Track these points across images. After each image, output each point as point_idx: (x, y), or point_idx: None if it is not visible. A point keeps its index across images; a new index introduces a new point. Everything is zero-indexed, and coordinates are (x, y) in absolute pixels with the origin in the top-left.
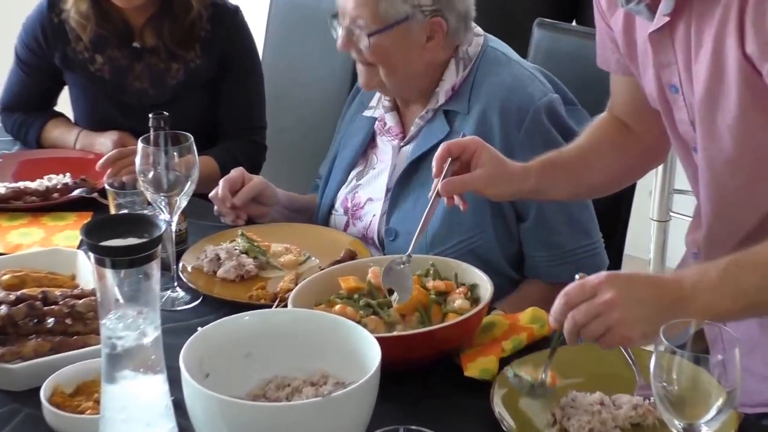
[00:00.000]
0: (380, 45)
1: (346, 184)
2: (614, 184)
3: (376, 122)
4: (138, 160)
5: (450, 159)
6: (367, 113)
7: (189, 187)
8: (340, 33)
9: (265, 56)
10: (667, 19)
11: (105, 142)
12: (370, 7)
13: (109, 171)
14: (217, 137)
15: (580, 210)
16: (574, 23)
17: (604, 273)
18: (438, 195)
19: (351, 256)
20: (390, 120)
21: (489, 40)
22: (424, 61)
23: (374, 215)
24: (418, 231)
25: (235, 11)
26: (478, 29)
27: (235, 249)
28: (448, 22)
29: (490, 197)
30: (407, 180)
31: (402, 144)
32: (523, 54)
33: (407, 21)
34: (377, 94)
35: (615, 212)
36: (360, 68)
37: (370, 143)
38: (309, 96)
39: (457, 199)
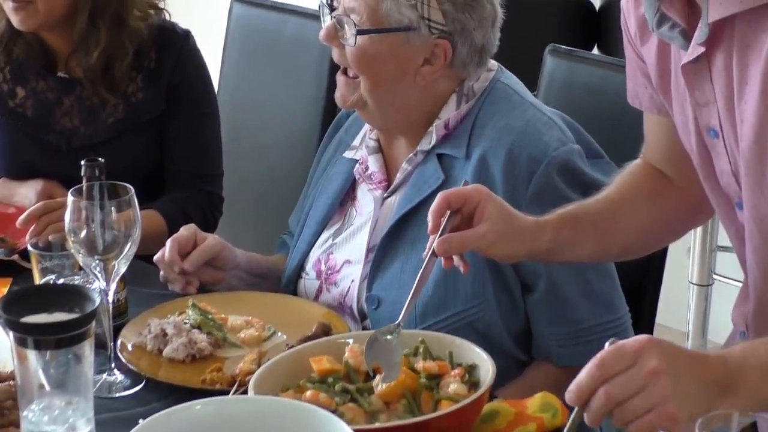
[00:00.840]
0: (367, 49)
1: (320, 242)
2: (649, 245)
3: (357, 166)
4: (67, 215)
5: (449, 212)
6: (348, 154)
7: (129, 249)
8: (327, 21)
9: (221, 91)
10: (703, 49)
11: (27, 194)
12: (373, 2)
13: (32, 229)
14: (163, 187)
15: (601, 278)
16: (595, 50)
17: (644, 337)
18: (434, 254)
19: (324, 331)
20: (373, 164)
21: (501, 75)
22: (418, 87)
23: (353, 280)
24: (410, 296)
25: (186, 37)
26: (492, 62)
27: (185, 323)
28: (455, 50)
29: (496, 258)
30: (393, 238)
31: (386, 194)
32: (534, 87)
33: (408, 31)
34: (361, 132)
35: (645, 273)
36: (339, 78)
37: (349, 192)
38: (274, 137)
39: (456, 260)
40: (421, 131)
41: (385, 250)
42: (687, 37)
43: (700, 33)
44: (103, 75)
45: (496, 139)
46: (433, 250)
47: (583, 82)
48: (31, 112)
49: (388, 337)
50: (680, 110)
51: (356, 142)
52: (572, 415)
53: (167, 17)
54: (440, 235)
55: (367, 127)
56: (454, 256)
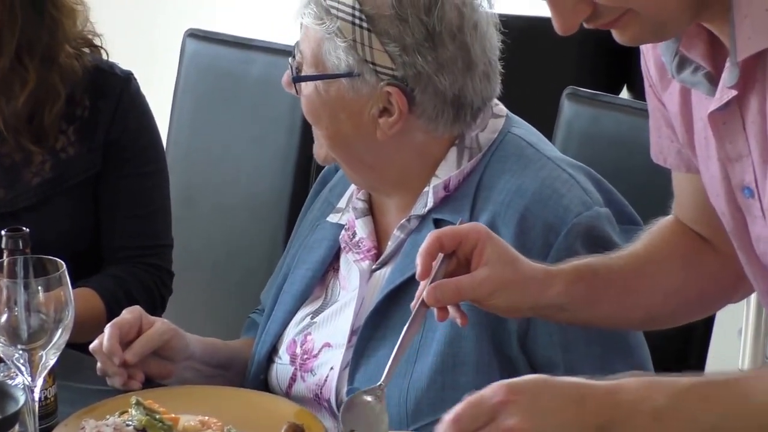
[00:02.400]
0: (313, 98)
1: (296, 320)
2: (678, 315)
3: (343, 232)
4: None
5: (442, 255)
6: (332, 218)
7: (60, 337)
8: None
9: (171, 144)
10: (734, 92)
11: None
12: (313, 41)
13: None
14: (100, 261)
15: (629, 366)
16: (624, 93)
17: (504, 386)
18: (424, 305)
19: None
20: (361, 229)
21: (512, 124)
22: (386, 142)
23: (332, 368)
24: (394, 354)
25: (127, 80)
26: (500, 108)
27: (128, 425)
28: (411, 99)
29: (497, 310)
30: (380, 318)
31: (375, 266)
32: (549, 138)
33: (351, 77)
34: (348, 192)
35: (685, 356)
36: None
37: (332, 263)
38: (235, 199)
39: (452, 311)
40: (414, 192)
41: (371, 332)
42: (713, 80)
43: (730, 74)
44: (29, 124)
45: (505, 203)
46: (423, 299)
47: (608, 131)
48: None
49: (369, 399)
50: (706, 168)
51: (342, 203)
52: None
53: (105, 57)
54: (431, 281)
55: (354, 185)
56: (449, 307)
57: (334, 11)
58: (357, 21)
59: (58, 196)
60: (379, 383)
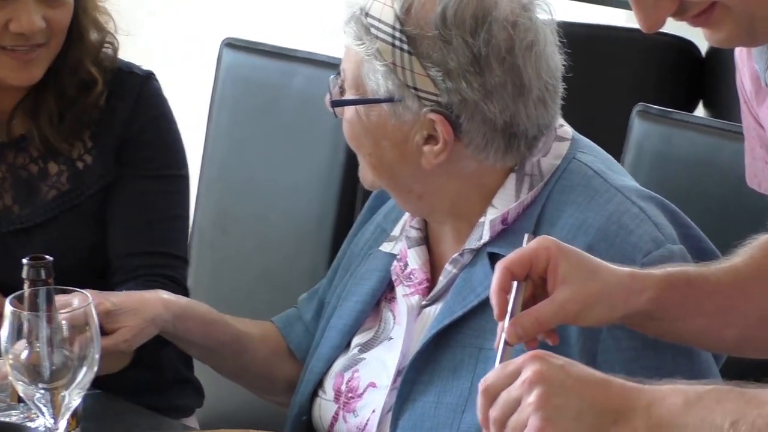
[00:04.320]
0: (354, 124)
1: (345, 353)
2: None
3: (395, 263)
4: (4, 332)
5: (515, 284)
6: (386, 247)
7: (84, 376)
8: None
9: (206, 164)
10: None
11: None
12: (354, 62)
13: None
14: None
15: None
16: (700, 110)
17: (532, 351)
18: (507, 343)
19: None
20: (414, 259)
21: (578, 149)
22: (434, 171)
23: (374, 410)
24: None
25: (146, 78)
26: (565, 129)
27: None
28: (457, 127)
29: (585, 326)
30: (428, 360)
31: (425, 302)
32: (618, 159)
33: (392, 104)
34: (403, 219)
35: None
36: None
37: (385, 294)
38: (274, 225)
39: (540, 336)
40: (470, 221)
41: (417, 375)
42: None
43: None
44: (60, 122)
45: (568, 239)
46: (504, 338)
47: (681, 152)
48: None
49: None
50: None
51: (396, 231)
52: None
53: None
54: (510, 318)
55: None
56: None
57: (374, 30)
58: (397, 42)
59: (75, 209)
60: None
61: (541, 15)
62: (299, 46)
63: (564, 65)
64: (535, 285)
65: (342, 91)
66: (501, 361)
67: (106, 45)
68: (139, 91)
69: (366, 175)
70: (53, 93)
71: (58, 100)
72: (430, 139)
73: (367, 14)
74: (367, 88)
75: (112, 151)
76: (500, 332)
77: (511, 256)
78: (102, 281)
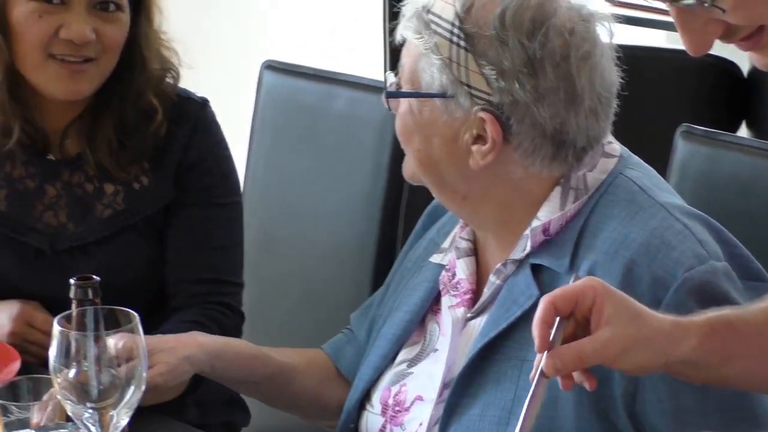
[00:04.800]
0: (406, 118)
1: (393, 365)
2: None
3: (443, 273)
4: (52, 351)
5: (558, 319)
6: (435, 258)
7: (132, 395)
8: None
9: (248, 186)
10: None
11: None
12: (412, 56)
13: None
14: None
15: (751, 427)
16: (743, 130)
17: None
18: (544, 375)
19: None
20: (462, 269)
21: (626, 165)
22: (481, 173)
23: (420, 424)
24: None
25: (203, 105)
26: (613, 146)
27: None
28: (507, 128)
29: (625, 371)
30: (474, 373)
31: (470, 315)
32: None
33: (444, 99)
34: (453, 231)
35: None
36: None
37: (432, 306)
38: (316, 246)
39: (578, 376)
40: (515, 232)
41: (463, 389)
42: None
43: None
44: (120, 149)
45: (610, 253)
46: (542, 369)
47: (726, 173)
48: (5, 207)
49: None
50: None
51: (446, 243)
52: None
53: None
54: (549, 350)
55: (459, 224)
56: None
57: (433, 26)
58: (455, 39)
59: (129, 229)
60: None
61: (601, 30)
62: (340, 69)
63: (621, 82)
64: (577, 324)
65: (398, 87)
66: (534, 393)
67: (168, 75)
68: (196, 118)
69: (408, 167)
70: (113, 120)
71: (118, 128)
72: (479, 139)
73: (428, 11)
74: (422, 82)
75: (171, 175)
76: (538, 362)
77: (557, 292)
78: (156, 301)
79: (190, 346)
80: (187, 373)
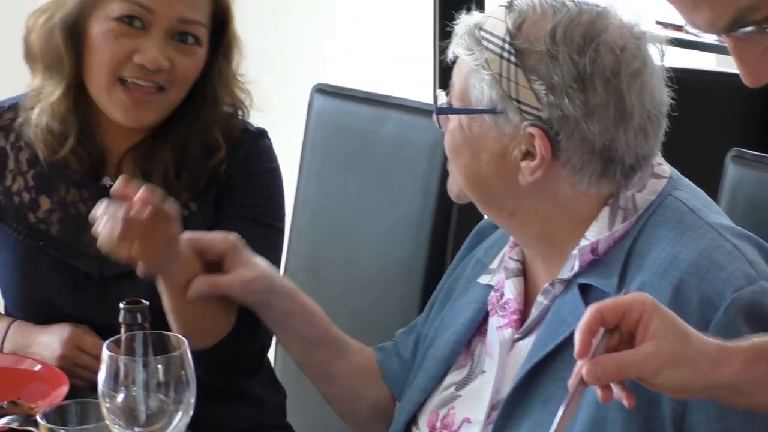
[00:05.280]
0: (455, 134)
1: (441, 390)
2: None
3: (492, 293)
4: (101, 376)
5: (603, 330)
6: (483, 279)
7: (180, 420)
8: None
9: (298, 210)
10: None
11: (49, 343)
12: (462, 73)
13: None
14: None
15: None
16: None
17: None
18: (582, 383)
19: None
20: (510, 289)
21: (676, 187)
22: (529, 189)
23: None
24: None
25: (259, 135)
26: (663, 168)
27: None
28: (556, 144)
29: (665, 390)
30: (522, 395)
31: (517, 335)
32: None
33: (494, 114)
34: (502, 252)
35: None
36: None
37: (479, 327)
38: (366, 271)
39: (616, 390)
40: (563, 252)
41: (511, 410)
42: None
43: None
44: (176, 178)
45: (658, 273)
46: (582, 376)
47: None
48: (57, 230)
49: None
50: None
51: (495, 263)
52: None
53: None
54: (590, 357)
55: (509, 245)
56: (612, 385)
57: (484, 42)
58: (506, 54)
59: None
60: None
61: (652, 50)
62: (390, 92)
63: (672, 102)
64: (622, 337)
65: (449, 104)
66: (570, 400)
67: (238, 115)
68: (250, 148)
69: (454, 185)
70: (174, 151)
71: (179, 158)
72: (528, 155)
73: (480, 28)
74: (472, 98)
75: (214, 198)
76: (578, 370)
77: (606, 302)
78: None
79: (270, 269)
80: (260, 288)
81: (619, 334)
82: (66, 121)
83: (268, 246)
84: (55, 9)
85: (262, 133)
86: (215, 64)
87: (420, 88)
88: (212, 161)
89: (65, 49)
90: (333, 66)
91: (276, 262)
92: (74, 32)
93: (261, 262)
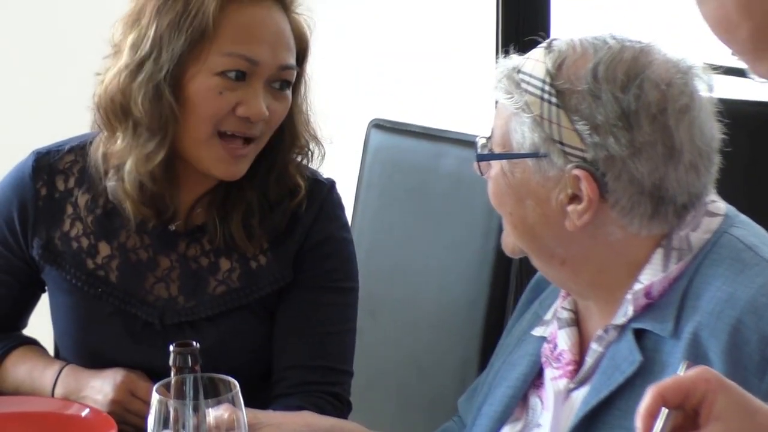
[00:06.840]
0: (498, 181)
1: None
2: None
3: (545, 345)
4: (150, 419)
5: (665, 410)
6: (537, 331)
7: None
8: None
9: (355, 244)
10: None
11: (102, 387)
12: (502, 118)
13: None
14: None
15: None
16: None
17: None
18: None
19: None
20: (564, 340)
21: (732, 224)
22: (579, 235)
23: None
24: None
25: (330, 187)
26: (718, 205)
27: None
28: (603, 186)
29: None
30: None
31: (572, 385)
32: None
33: (536, 159)
34: (555, 303)
35: None
36: None
37: (534, 380)
38: (424, 313)
39: None
40: (616, 297)
41: None
42: None
43: None
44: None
45: (715, 313)
46: None
47: None
48: (116, 277)
49: None
50: None
51: (549, 315)
52: None
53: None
54: None
55: (561, 294)
56: None
57: (524, 85)
58: (546, 96)
59: (243, 308)
60: None
61: (699, 84)
62: (448, 127)
63: (724, 137)
64: (686, 415)
65: (490, 150)
66: None
67: (308, 152)
68: (323, 200)
69: (507, 239)
70: (255, 193)
71: (261, 201)
72: (575, 198)
73: (519, 71)
74: (513, 143)
75: (291, 257)
76: None
77: (667, 383)
78: (262, 384)
79: (297, 424)
80: None
81: (683, 411)
82: (159, 178)
83: (348, 311)
84: (153, 67)
85: (332, 185)
86: (295, 102)
87: (479, 123)
88: (293, 202)
89: (177, 109)
90: (389, 100)
91: (355, 323)
92: (176, 89)
93: (285, 422)
